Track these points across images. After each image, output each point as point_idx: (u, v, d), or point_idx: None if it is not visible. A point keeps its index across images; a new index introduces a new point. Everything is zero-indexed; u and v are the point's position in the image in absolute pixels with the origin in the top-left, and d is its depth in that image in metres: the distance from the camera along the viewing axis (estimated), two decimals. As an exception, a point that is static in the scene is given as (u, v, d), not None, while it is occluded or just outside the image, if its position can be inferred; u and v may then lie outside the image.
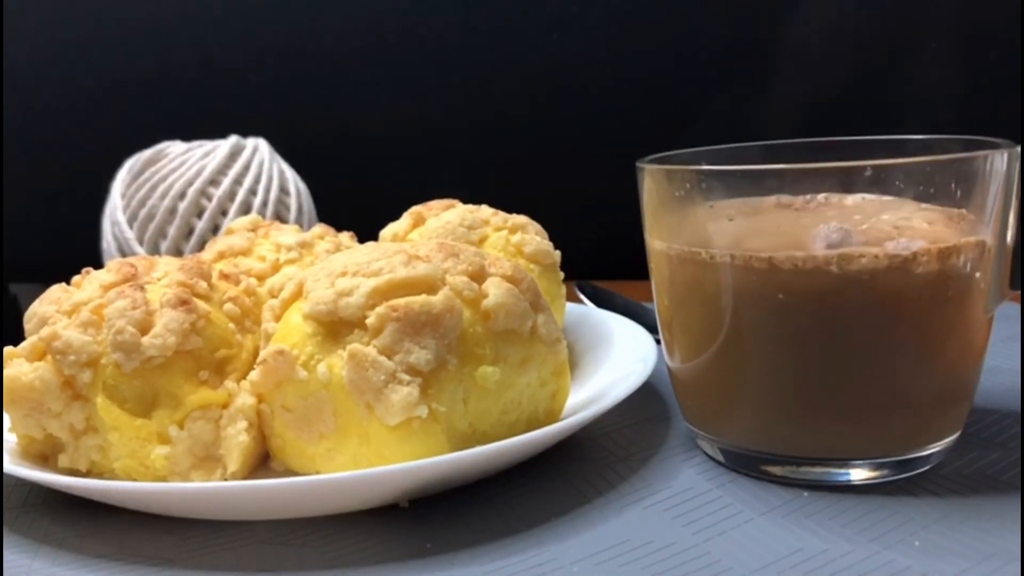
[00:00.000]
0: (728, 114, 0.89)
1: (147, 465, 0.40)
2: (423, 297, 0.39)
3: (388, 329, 0.38)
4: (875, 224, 0.37)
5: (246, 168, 0.77)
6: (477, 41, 0.95)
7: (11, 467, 0.40)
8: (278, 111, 1.02)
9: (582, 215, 0.90)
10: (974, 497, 0.37)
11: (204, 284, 0.44)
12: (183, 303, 0.41)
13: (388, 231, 0.56)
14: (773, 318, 0.37)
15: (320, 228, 0.57)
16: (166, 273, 0.45)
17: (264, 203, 0.76)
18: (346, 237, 0.58)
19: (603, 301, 0.66)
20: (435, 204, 0.57)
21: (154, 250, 0.75)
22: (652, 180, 0.41)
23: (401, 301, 0.38)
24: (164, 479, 0.40)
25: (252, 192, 0.76)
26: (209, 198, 0.75)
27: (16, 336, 0.43)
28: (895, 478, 0.38)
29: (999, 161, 0.35)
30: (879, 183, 0.35)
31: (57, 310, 0.42)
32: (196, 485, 0.37)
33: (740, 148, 0.45)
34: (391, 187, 0.99)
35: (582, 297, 0.68)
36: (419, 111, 0.99)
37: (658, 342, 0.46)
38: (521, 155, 0.98)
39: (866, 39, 0.85)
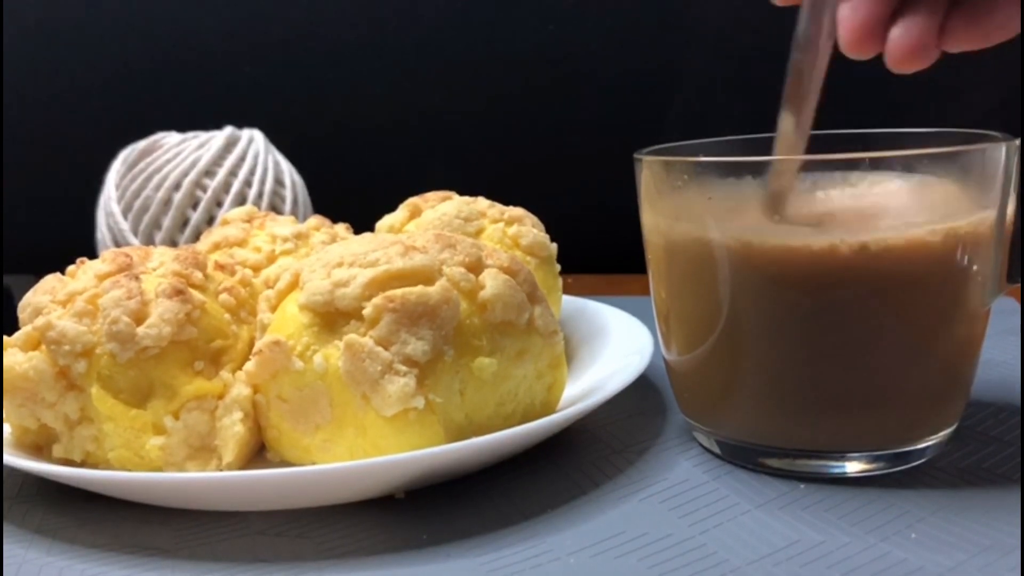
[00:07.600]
0: (727, 107, 0.89)
1: (142, 455, 0.40)
2: (420, 288, 0.39)
3: (385, 320, 0.38)
4: (872, 216, 0.37)
5: (241, 159, 0.77)
6: (474, 33, 0.95)
7: (5, 457, 0.39)
8: (274, 102, 1.01)
9: (579, 207, 0.90)
10: (970, 490, 0.37)
11: (199, 274, 0.44)
12: (178, 293, 0.41)
13: (384, 223, 0.56)
14: (770, 310, 0.37)
15: (316, 219, 0.57)
16: (161, 263, 0.44)
17: (259, 194, 0.76)
18: (342, 229, 0.58)
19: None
20: (431, 196, 0.56)
21: (149, 241, 0.74)
22: (650, 172, 0.41)
23: (398, 292, 0.38)
24: (159, 470, 0.40)
25: (247, 183, 0.76)
26: (204, 189, 0.75)
27: (10, 327, 0.43)
28: (891, 471, 0.38)
29: (997, 154, 0.35)
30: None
31: (52, 300, 0.42)
32: (191, 476, 0.37)
33: (738, 140, 0.44)
34: (387, 179, 1.00)
35: None
36: (416, 103, 0.98)
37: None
38: (518, 147, 0.98)
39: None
